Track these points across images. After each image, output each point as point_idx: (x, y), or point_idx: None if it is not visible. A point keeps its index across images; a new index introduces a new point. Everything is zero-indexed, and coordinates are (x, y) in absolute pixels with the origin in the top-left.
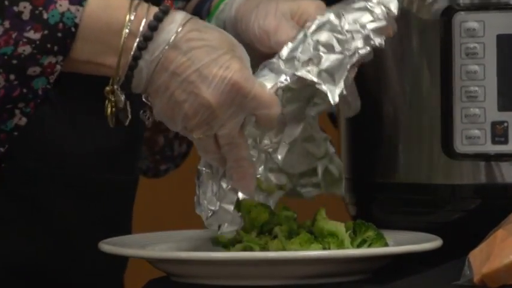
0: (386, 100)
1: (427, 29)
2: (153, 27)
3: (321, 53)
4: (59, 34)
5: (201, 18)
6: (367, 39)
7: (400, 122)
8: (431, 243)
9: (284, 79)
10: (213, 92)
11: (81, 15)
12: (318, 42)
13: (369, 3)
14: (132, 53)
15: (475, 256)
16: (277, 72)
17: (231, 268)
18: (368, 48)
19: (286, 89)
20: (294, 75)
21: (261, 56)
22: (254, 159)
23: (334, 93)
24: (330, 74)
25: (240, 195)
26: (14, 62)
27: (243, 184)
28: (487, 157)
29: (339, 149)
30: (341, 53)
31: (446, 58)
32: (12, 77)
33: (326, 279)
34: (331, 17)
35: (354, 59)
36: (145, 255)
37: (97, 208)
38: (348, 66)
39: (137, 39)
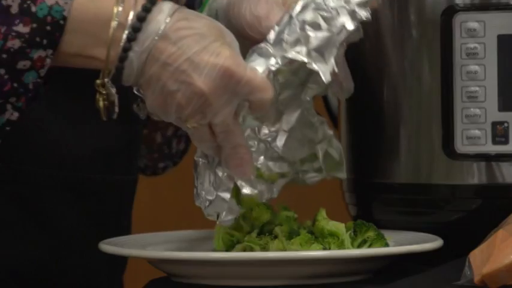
0: (386, 100)
1: (428, 30)
2: (142, 18)
3: (308, 33)
4: (48, 27)
5: (194, 9)
6: (352, 14)
7: (400, 122)
8: (431, 243)
9: (274, 62)
10: (205, 79)
11: (70, 8)
12: (304, 22)
13: None
14: (121, 44)
15: (475, 256)
16: (266, 56)
17: (231, 268)
18: (355, 23)
19: (278, 73)
20: (284, 57)
21: (252, 43)
22: (253, 149)
23: (325, 71)
24: (320, 53)
25: (244, 191)
26: (4, 56)
27: (241, 171)
28: (487, 157)
29: None
30: (328, 30)
31: (447, 58)
32: (2, 71)
33: (326, 280)
34: None
35: (342, 36)
36: (145, 255)
37: (96, 208)
38: (337, 44)
39: (126, 31)
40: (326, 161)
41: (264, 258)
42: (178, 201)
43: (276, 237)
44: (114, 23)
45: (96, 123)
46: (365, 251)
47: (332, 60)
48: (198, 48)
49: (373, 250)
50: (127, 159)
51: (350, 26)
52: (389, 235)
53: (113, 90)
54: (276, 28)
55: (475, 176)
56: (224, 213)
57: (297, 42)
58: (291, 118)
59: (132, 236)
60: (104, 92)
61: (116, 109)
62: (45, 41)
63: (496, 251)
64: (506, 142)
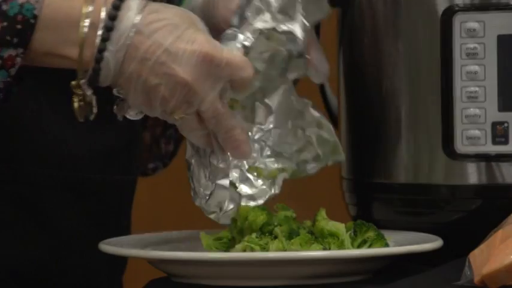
0: (386, 100)
1: (428, 30)
2: (113, 16)
3: None
4: (19, 26)
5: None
6: None
7: (400, 122)
8: (431, 243)
9: (244, 38)
10: (186, 68)
11: (41, 7)
12: None
13: None
14: (96, 45)
15: (475, 256)
16: (235, 38)
17: (231, 268)
18: None
19: (258, 61)
20: (254, 29)
21: None
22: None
23: (296, 28)
24: (284, 13)
25: (243, 190)
26: None
27: (239, 152)
28: (487, 157)
29: None
30: None
31: (447, 58)
32: None
33: (326, 280)
34: None
35: None
36: (145, 255)
37: (96, 208)
38: None
39: (99, 31)
40: (321, 145)
41: (264, 259)
42: (178, 201)
43: (276, 237)
44: (85, 23)
45: (96, 123)
46: (365, 251)
47: (299, 16)
48: (172, 38)
49: (373, 250)
50: (127, 159)
51: None
52: (389, 235)
53: (89, 92)
54: (237, 11)
55: (475, 176)
56: (226, 202)
57: (259, 11)
58: (280, 112)
59: (132, 236)
60: (79, 93)
61: (94, 110)
62: (15, 40)
63: (496, 251)
64: (506, 142)
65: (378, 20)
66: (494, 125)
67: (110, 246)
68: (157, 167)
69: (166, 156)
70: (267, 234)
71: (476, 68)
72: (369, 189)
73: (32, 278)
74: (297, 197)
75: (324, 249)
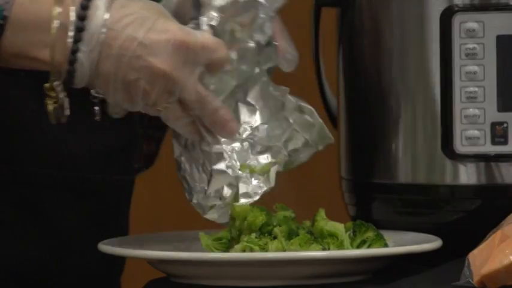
0: (385, 100)
1: (427, 30)
2: (82, 16)
3: None
4: None
5: None
6: None
7: (400, 122)
8: (431, 243)
9: (209, 18)
10: (162, 59)
11: (11, 8)
12: None
13: None
14: (68, 47)
15: (475, 257)
16: (199, 26)
17: (230, 269)
18: None
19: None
20: (215, 8)
21: None
22: (237, 148)
23: None
24: None
25: (240, 189)
26: None
27: (227, 131)
28: (486, 158)
29: (339, 149)
30: None
31: (446, 59)
32: None
33: (326, 280)
34: None
35: None
36: (145, 255)
37: (96, 208)
38: None
39: (70, 32)
40: (307, 129)
41: (263, 259)
42: (178, 201)
43: (275, 237)
44: (55, 24)
45: (96, 123)
46: (364, 252)
47: None
48: (144, 30)
49: (373, 250)
50: (126, 159)
51: None
52: (388, 235)
53: (61, 94)
54: (192, 3)
55: (474, 176)
56: (225, 188)
57: None
58: (261, 107)
59: (132, 236)
60: (53, 95)
61: (66, 112)
62: None
63: (495, 251)
64: (505, 142)
65: (377, 20)
66: (493, 125)
67: (110, 247)
68: (140, 168)
69: (148, 157)
70: (266, 234)
71: (475, 68)
72: (368, 189)
73: (31, 278)
74: (296, 197)
75: (323, 249)
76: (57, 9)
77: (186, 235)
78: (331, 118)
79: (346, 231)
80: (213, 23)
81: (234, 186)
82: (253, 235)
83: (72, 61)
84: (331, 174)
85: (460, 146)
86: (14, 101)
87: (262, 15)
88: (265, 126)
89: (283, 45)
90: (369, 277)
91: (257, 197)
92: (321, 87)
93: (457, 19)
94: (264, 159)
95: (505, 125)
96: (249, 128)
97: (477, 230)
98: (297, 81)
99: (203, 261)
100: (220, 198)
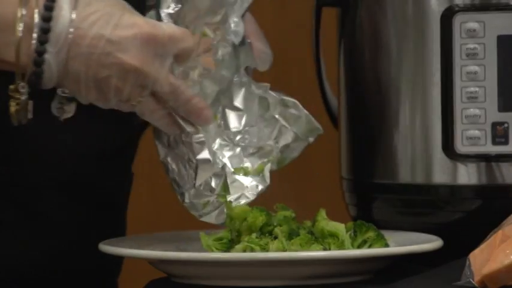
0: (386, 100)
1: (428, 30)
2: (47, 18)
3: None
4: None
5: None
6: None
7: (400, 122)
8: (431, 243)
9: (167, 7)
10: (131, 54)
11: None
12: None
13: None
14: (33, 48)
15: (476, 257)
16: (156, 16)
17: (231, 269)
18: None
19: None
20: None
21: None
22: (230, 153)
23: None
24: None
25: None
26: None
27: (202, 119)
28: (487, 158)
29: (339, 149)
30: None
31: (447, 59)
32: None
33: (326, 280)
34: None
35: None
36: (145, 255)
37: (95, 209)
38: None
39: (35, 34)
40: (294, 123)
41: (264, 259)
42: (178, 201)
43: (276, 237)
44: (20, 27)
45: (94, 124)
46: (365, 252)
47: None
48: (111, 27)
49: (373, 250)
50: (125, 159)
51: None
52: (389, 235)
53: (24, 96)
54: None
55: (475, 176)
56: (213, 179)
57: None
58: (247, 109)
59: (132, 236)
60: (17, 97)
61: (29, 115)
62: None
63: (496, 251)
64: (506, 142)
65: (377, 20)
66: (494, 125)
67: (110, 247)
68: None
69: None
70: (267, 234)
71: (476, 68)
72: (369, 189)
73: (30, 277)
74: (296, 197)
75: (324, 249)
76: (22, 11)
77: (186, 235)
78: (332, 118)
79: (347, 231)
80: (171, 11)
81: (220, 176)
82: (253, 235)
83: (40, 62)
84: (332, 174)
85: (461, 146)
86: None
87: (232, 16)
88: (255, 128)
89: (259, 46)
90: (369, 277)
91: (252, 197)
92: (321, 87)
93: (457, 19)
94: (257, 160)
95: (505, 125)
96: (239, 132)
97: (478, 230)
98: (297, 81)
99: (204, 261)
100: (210, 191)
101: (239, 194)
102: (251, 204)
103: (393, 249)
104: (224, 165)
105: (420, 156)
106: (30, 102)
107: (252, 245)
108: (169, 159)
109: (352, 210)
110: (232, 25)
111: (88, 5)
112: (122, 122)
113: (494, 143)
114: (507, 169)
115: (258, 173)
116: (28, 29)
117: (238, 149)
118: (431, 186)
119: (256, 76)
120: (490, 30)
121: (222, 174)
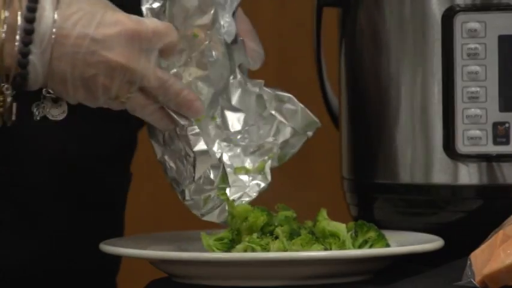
0: (387, 100)
1: (429, 30)
2: (30, 19)
3: None
4: None
5: None
6: None
7: (401, 122)
8: (432, 243)
9: (150, 2)
10: (117, 51)
11: None
12: None
13: None
14: (17, 49)
15: (477, 257)
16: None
17: (232, 269)
18: None
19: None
20: None
21: None
22: (231, 154)
23: None
24: None
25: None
26: None
27: (193, 110)
28: (488, 158)
29: (340, 149)
30: None
31: (448, 59)
32: None
33: (327, 280)
34: None
35: None
36: (146, 255)
37: (94, 209)
38: None
39: (18, 36)
40: (291, 118)
41: (265, 259)
42: (178, 201)
43: (277, 237)
44: (3, 28)
45: (93, 124)
46: (366, 252)
47: None
48: (94, 25)
49: (374, 250)
50: (124, 159)
51: None
52: (390, 235)
53: (9, 98)
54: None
55: (476, 176)
56: (211, 171)
57: None
58: (245, 108)
59: (133, 236)
60: (1, 99)
61: (13, 117)
62: None
63: (497, 251)
64: (507, 142)
65: (378, 20)
66: (495, 125)
67: (111, 247)
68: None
69: None
70: (268, 234)
71: (477, 68)
72: (370, 189)
73: (29, 277)
74: (297, 197)
75: (325, 249)
76: (5, 13)
77: (187, 235)
78: (333, 118)
79: (348, 231)
80: (154, 5)
81: (217, 167)
82: (254, 235)
83: (24, 64)
84: (333, 174)
85: (462, 146)
86: None
87: (223, 15)
88: (254, 126)
89: (251, 45)
90: (370, 277)
91: (255, 195)
92: (322, 87)
93: (458, 19)
94: (258, 158)
95: (506, 125)
96: (239, 132)
97: (479, 230)
98: (298, 81)
99: (205, 261)
100: (210, 184)
101: (241, 192)
102: (253, 203)
103: (394, 249)
104: (221, 156)
105: (421, 156)
106: (15, 105)
107: (253, 245)
108: (166, 157)
109: (353, 210)
110: (224, 24)
111: (70, 4)
112: (122, 122)
113: (495, 143)
114: (508, 169)
115: (259, 171)
116: (12, 30)
117: (238, 149)
118: (432, 186)
119: (257, 77)
120: (491, 30)
121: (219, 165)
